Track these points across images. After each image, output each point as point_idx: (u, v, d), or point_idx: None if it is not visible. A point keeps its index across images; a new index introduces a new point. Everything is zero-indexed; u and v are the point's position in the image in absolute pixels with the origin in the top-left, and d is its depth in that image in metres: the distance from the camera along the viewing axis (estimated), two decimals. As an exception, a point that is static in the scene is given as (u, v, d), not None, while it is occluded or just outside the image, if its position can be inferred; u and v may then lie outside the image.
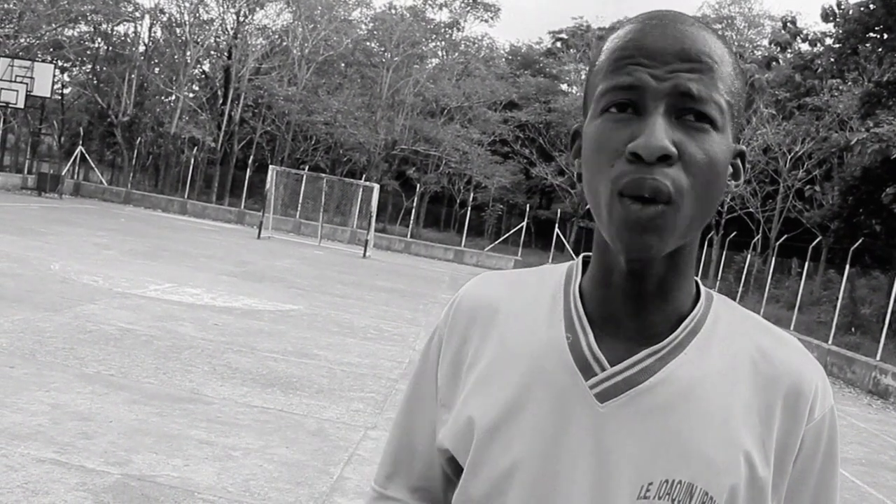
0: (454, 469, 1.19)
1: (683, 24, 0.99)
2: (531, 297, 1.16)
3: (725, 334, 1.09)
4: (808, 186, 33.00)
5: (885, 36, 30.70)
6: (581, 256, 1.18)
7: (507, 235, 41.87)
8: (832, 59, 34.83)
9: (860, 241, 23.41)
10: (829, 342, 19.92)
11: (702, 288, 1.12)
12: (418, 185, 42.52)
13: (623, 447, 1.02)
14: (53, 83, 35.10)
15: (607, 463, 1.02)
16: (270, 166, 32.14)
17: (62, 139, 45.52)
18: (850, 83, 30.18)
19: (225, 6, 44.21)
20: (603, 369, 1.05)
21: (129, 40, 45.60)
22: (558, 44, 57.52)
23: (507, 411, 1.07)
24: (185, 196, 39.09)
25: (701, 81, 0.97)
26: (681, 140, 0.96)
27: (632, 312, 1.06)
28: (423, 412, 1.22)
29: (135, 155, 41.06)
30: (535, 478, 1.04)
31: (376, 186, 32.01)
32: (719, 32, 1.04)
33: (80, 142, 39.12)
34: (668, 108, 0.96)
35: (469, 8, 50.39)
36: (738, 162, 1.06)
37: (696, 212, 0.98)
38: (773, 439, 1.04)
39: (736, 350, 1.08)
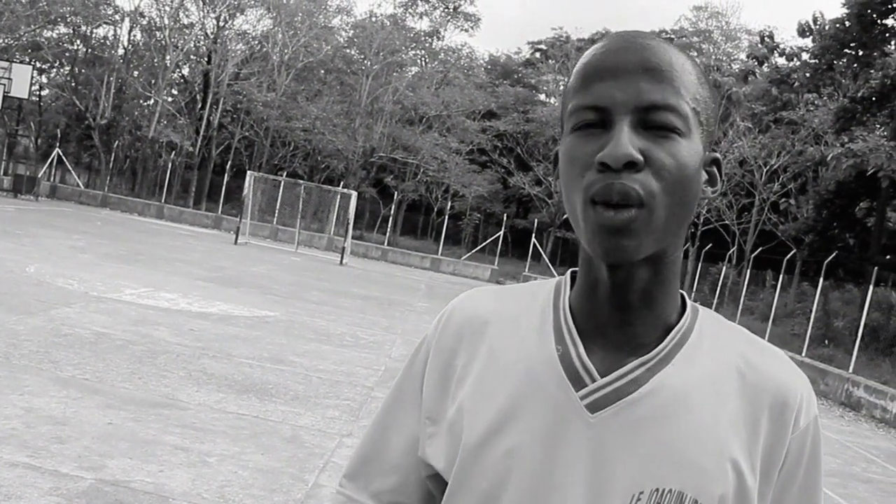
0: (438, 485, 1.19)
1: (644, 39, 1.03)
2: (521, 311, 1.17)
3: (712, 345, 1.10)
4: (783, 199, 33.31)
5: (860, 52, 30.99)
6: (569, 271, 1.20)
7: (484, 244, 41.88)
8: (808, 74, 35.14)
9: (834, 254, 23.65)
10: (803, 354, 20.09)
11: (688, 301, 1.14)
12: (396, 193, 42.51)
13: (614, 457, 1.04)
14: (31, 84, 34.84)
15: (599, 473, 1.04)
16: (248, 172, 32.07)
17: (39, 141, 45.19)
18: (825, 98, 30.47)
19: (205, 11, 44.14)
20: (593, 380, 1.06)
21: (108, 43, 45.44)
22: (537, 54, 57.83)
23: (499, 423, 1.08)
24: (162, 200, 38.90)
25: (663, 90, 1.00)
26: (647, 147, 0.99)
27: (618, 323, 1.08)
28: (403, 423, 1.22)
29: (112, 158, 40.84)
30: (527, 489, 1.05)
31: (354, 193, 32.00)
32: (681, 47, 1.08)
33: (58, 144, 38.88)
34: (633, 120, 0.99)
35: (449, 17, 50.55)
36: (714, 169, 1.10)
37: (670, 215, 1.01)
38: (760, 448, 1.06)
39: (722, 360, 1.10)
